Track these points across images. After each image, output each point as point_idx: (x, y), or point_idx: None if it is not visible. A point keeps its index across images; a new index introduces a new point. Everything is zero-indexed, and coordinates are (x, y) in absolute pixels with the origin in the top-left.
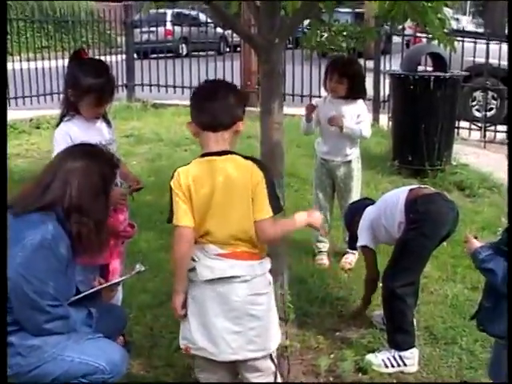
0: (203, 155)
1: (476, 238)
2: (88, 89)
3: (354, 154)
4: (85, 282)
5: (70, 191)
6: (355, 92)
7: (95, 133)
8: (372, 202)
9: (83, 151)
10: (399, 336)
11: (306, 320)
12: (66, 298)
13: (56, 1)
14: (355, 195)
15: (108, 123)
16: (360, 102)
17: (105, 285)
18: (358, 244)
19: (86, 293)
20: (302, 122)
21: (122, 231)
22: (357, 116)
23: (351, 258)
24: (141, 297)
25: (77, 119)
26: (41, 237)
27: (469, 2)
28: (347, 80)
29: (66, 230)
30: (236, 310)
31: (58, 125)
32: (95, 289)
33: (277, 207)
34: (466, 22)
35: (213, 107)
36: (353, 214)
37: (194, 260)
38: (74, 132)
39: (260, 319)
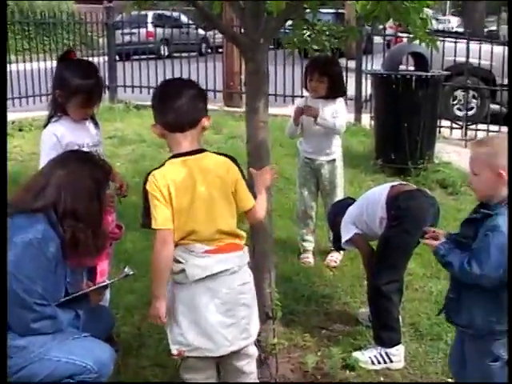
0: (176, 156)
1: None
2: (76, 90)
3: (337, 152)
4: (73, 283)
5: (65, 196)
6: (335, 91)
7: (83, 134)
8: (354, 201)
9: (75, 157)
10: (385, 333)
11: (292, 318)
12: (55, 299)
13: (37, 0)
14: (340, 193)
15: (96, 124)
16: (339, 100)
17: (93, 287)
18: (343, 240)
19: (75, 295)
20: (290, 125)
21: (110, 233)
22: (336, 113)
23: (336, 256)
24: (128, 297)
25: (64, 120)
26: (31, 236)
27: (448, 3)
28: (327, 79)
29: (58, 232)
30: (228, 302)
31: (45, 126)
32: (83, 291)
33: (254, 195)
34: (457, 23)
35: (177, 107)
36: (335, 214)
37: (179, 262)
38: (61, 133)
39: (249, 307)
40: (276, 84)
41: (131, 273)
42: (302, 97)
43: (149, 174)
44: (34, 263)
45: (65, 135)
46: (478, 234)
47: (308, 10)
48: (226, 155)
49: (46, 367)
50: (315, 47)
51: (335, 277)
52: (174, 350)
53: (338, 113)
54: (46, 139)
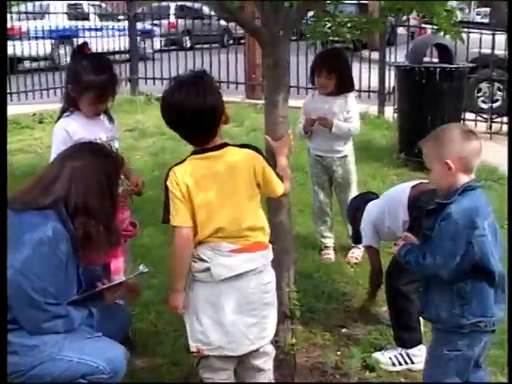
0: (197, 152)
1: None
2: (88, 85)
3: (348, 148)
4: (87, 281)
5: (75, 191)
6: (344, 86)
7: (96, 129)
8: (374, 196)
9: (87, 149)
10: (405, 334)
11: (312, 316)
12: (66, 297)
13: None
14: (354, 189)
15: (110, 119)
16: (350, 96)
17: (107, 285)
18: (362, 244)
19: (87, 293)
20: (300, 130)
21: (123, 230)
22: (347, 112)
23: (357, 253)
24: (144, 293)
25: (76, 115)
26: (41, 234)
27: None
28: (336, 75)
29: (68, 229)
30: (252, 301)
31: (57, 120)
32: (96, 289)
33: (280, 178)
34: (482, 14)
35: (198, 110)
36: (355, 210)
37: (204, 260)
38: (73, 128)
39: (270, 305)
40: (299, 76)
41: (146, 270)
42: None
43: (170, 169)
44: (45, 262)
45: (77, 131)
46: (435, 224)
47: (329, 2)
48: (248, 146)
49: (58, 367)
50: (336, 39)
51: (356, 273)
52: (194, 347)
53: (350, 113)
54: (57, 134)
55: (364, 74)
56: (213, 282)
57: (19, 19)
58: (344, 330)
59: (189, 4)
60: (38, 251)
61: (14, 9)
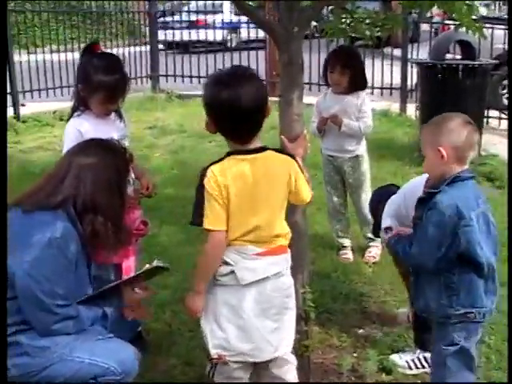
0: (236, 152)
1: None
2: (98, 85)
3: (361, 147)
4: (100, 281)
5: (83, 189)
6: (357, 84)
7: (107, 128)
8: (396, 188)
9: (96, 146)
10: (425, 335)
11: (329, 317)
12: (76, 298)
13: None
14: (367, 189)
15: (120, 117)
16: (362, 94)
17: (123, 280)
18: (382, 226)
19: (103, 289)
20: (313, 130)
21: (135, 229)
22: (359, 110)
23: (375, 251)
24: (160, 293)
25: (87, 114)
26: (50, 235)
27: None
28: (350, 72)
29: (77, 228)
30: (276, 306)
31: (68, 119)
32: (109, 285)
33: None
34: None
35: (250, 117)
36: (377, 203)
37: (228, 264)
38: (85, 128)
39: (291, 310)
40: (311, 73)
41: (161, 265)
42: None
43: (206, 168)
44: (54, 264)
45: (89, 130)
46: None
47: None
48: (284, 152)
49: (69, 368)
50: (355, 35)
51: (375, 274)
52: (215, 353)
53: (362, 112)
54: (69, 133)
55: (386, 71)
56: (235, 285)
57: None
58: (361, 332)
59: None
60: (47, 252)
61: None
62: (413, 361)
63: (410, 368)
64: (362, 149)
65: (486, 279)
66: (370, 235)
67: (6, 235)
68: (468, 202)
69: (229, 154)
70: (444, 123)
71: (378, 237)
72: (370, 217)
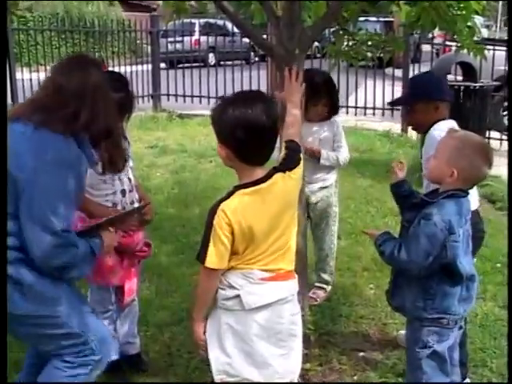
0: (247, 185)
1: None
2: None
3: (332, 177)
4: (101, 302)
5: (92, 113)
6: (334, 111)
7: None
8: None
9: (74, 63)
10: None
11: (329, 339)
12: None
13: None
14: (333, 224)
15: (124, 139)
16: (336, 121)
17: (96, 222)
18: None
19: (79, 230)
20: None
21: (137, 251)
22: (335, 139)
23: (319, 294)
24: (159, 314)
25: None
26: (64, 154)
27: (500, 10)
28: (326, 101)
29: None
30: (281, 332)
31: None
32: (88, 225)
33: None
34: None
35: (271, 137)
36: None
37: (233, 288)
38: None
39: (298, 337)
40: None
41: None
42: (347, 107)
43: (216, 205)
44: (63, 183)
45: (93, 150)
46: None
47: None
48: (285, 165)
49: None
50: (357, 57)
51: (375, 296)
52: (218, 379)
53: (338, 141)
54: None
55: (388, 91)
56: (240, 310)
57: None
58: (361, 354)
59: (212, 21)
60: (60, 171)
61: None
62: None
63: None
64: (333, 179)
65: (461, 288)
66: (323, 275)
67: (6, 235)
68: (459, 218)
69: (237, 188)
70: (470, 148)
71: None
72: (329, 258)
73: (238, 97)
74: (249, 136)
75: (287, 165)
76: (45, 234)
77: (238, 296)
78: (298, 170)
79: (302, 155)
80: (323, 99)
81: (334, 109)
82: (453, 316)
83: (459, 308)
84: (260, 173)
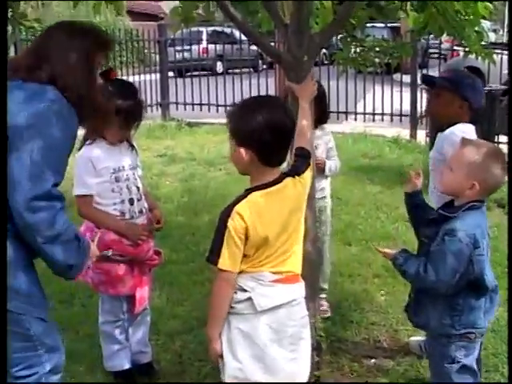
0: (259, 187)
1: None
2: (115, 111)
3: (327, 187)
4: (112, 311)
5: (59, 68)
6: (324, 118)
7: (120, 157)
8: None
9: (63, 27)
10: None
11: (340, 346)
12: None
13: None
14: (328, 234)
15: (132, 147)
16: (327, 129)
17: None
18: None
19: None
20: None
21: (147, 259)
22: (327, 149)
23: (326, 305)
24: (170, 323)
25: (99, 142)
26: (61, 107)
27: (507, 14)
28: (316, 107)
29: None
30: (292, 335)
31: (79, 148)
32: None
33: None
34: None
35: (290, 139)
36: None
37: (244, 290)
38: (97, 156)
39: (307, 341)
40: (329, 100)
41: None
42: (355, 113)
43: (230, 208)
44: (58, 132)
45: (100, 159)
46: (436, 234)
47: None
48: (295, 170)
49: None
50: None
51: (387, 302)
52: None
53: (331, 150)
54: (79, 165)
55: (396, 97)
56: (252, 313)
57: None
58: (373, 361)
59: (219, 29)
60: (57, 120)
61: None
62: None
63: None
64: (328, 188)
65: (485, 300)
66: (321, 285)
67: (6, 236)
68: (482, 231)
69: (249, 191)
70: (488, 158)
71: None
72: (325, 266)
73: (257, 101)
74: (275, 138)
75: (296, 169)
76: (29, 181)
77: (249, 298)
78: (307, 175)
79: (311, 161)
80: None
81: (323, 118)
82: (479, 329)
83: (484, 321)
84: (272, 176)
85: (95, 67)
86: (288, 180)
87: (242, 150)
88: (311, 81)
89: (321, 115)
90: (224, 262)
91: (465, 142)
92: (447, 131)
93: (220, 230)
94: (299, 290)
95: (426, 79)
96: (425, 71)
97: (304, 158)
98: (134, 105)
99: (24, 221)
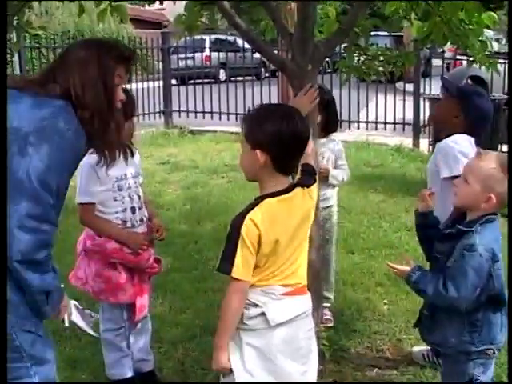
0: (271, 195)
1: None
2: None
3: (334, 196)
4: (112, 319)
5: (73, 84)
6: (331, 127)
7: (121, 166)
8: None
9: (90, 42)
10: None
11: (343, 355)
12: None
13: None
14: (334, 244)
15: (131, 153)
16: (336, 138)
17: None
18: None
19: None
20: None
21: (147, 267)
22: (335, 159)
23: (329, 314)
24: (172, 330)
25: None
26: (63, 125)
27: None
28: (322, 115)
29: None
30: (302, 347)
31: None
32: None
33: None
34: None
35: (301, 156)
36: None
37: (256, 306)
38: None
39: (315, 353)
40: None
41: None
42: (358, 122)
43: (243, 215)
44: (58, 153)
45: (104, 167)
46: (453, 250)
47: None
48: (304, 181)
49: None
50: (368, 72)
51: (389, 311)
52: None
53: (340, 159)
54: (83, 172)
55: (399, 106)
56: (264, 328)
57: None
58: (376, 370)
59: (223, 37)
60: (59, 141)
61: None
62: None
63: None
64: (335, 198)
65: (501, 315)
66: (325, 293)
67: (6, 236)
68: (499, 244)
69: (262, 197)
70: (503, 170)
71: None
72: (330, 275)
73: (276, 107)
74: (293, 145)
75: (305, 182)
76: (29, 203)
77: (262, 314)
78: (314, 190)
79: (330, 181)
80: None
81: (330, 126)
82: (498, 345)
83: (502, 336)
84: (283, 185)
85: (114, 82)
86: (298, 190)
87: (258, 153)
88: (313, 94)
89: (327, 124)
90: (238, 270)
91: (480, 153)
92: (442, 142)
93: (233, 238)
94: (308, 301)
95: (446, 81)
96: (428, 80)
97: (310, 175)
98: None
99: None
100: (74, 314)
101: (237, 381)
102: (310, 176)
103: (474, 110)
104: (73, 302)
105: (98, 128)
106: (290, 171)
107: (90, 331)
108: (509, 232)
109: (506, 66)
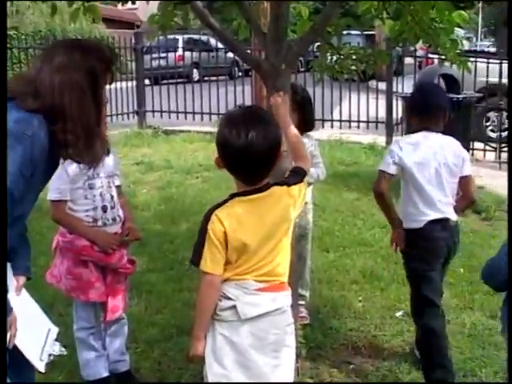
0: (243, 193)
1: None
2: None
3: (309, 194)
4: (85, 318)
5: (53, 93)
6: (307, 125)
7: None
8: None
9: (65, 45)
10: (439, 372)
11: (319, 352)
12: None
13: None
14: (309, 241)
15: (108, 153)
16: (312, 136)
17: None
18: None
19: None
20: None
21: (119, 267)
22: (312, 155)
23: (304, 311)
24: (148, 331)
25: None
26: (21, 127)
27: (480, 22)
28: (298, 113)
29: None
30: (275, 342)
31: None
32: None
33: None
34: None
35: (264, 162)
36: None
37: (229, 298)
38: (71, 163)
39: (291, 348)
40: None
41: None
42: (331, 121)
43: (211, 211)
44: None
45: (74, 165)
46: None
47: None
48: (285, 182)
49: None
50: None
51: (364, 308)
52: None
53: (315, 157)
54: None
55: (371, 104)
56: (236, 321)
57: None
58: (352, 366)
59: (196, 37)
60: (18, 141)
61: None
62: None
63: None
64: (310, 195)
65: None
66: (300, 291)
67: (6, 235)
68: None
69: (233, 196)
70: None
71: None
72: (305, 273)
73: (239, 116)
74: (241, 160)
75: (285, 181)
76: None
77: (233, 307)
78: (297, 188)
79: (306, 179)
80: (293, 114)
81: (305, 123)
82: None
83: None
84: (257, 183)
85: (102, 88)
86: (275, 189)
87: (219, 158)
88: (276, 95)
89: (302, 123)
90: (205, 264)
91: None
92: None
93: (202, 233)
94: (285, 298)
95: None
96: (400, 78)
97: (297, 175)
98: None
99: None
100: (19, 338)
101: (207, 369)
102: (297, 176)
103: (419, 106)
104: (55, 329)
105: (86, 135)
106: (250, 182)
107: (37, 364)
108: (509, 232)
109: (477, 64)
